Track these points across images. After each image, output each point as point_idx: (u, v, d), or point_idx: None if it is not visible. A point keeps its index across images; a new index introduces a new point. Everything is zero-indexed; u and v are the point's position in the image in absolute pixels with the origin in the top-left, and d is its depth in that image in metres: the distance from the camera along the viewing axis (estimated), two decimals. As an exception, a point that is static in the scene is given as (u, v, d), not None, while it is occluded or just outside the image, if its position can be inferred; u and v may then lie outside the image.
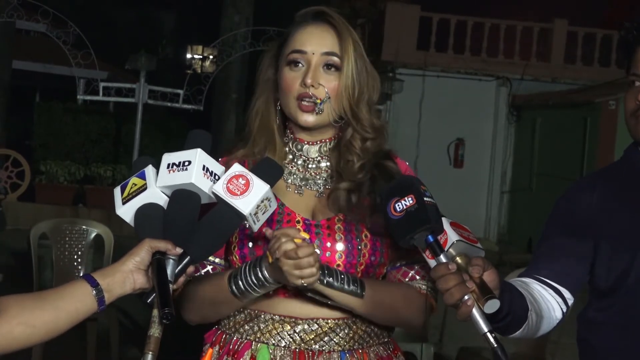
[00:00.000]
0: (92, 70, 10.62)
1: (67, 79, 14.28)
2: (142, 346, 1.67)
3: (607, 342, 2.01)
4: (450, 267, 1.73)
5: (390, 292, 1.95)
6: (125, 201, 1.77)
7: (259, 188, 1.72)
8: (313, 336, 1.93)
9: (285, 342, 1.92)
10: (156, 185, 1.77)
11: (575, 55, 15.07)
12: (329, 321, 1.94)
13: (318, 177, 2.03)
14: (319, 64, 1.97)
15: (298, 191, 2.01)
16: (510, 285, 1.95)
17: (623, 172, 2.09)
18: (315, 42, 1.98)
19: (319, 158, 2.04)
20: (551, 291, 2.05)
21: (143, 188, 1.77)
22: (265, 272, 1.83)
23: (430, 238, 1.75)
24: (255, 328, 1.95)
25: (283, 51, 2.02)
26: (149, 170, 1.79)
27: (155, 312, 1.68)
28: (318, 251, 1.90)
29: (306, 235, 1.83)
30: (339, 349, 1.94)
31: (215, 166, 1.78)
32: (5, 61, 14.78)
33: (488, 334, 1.70)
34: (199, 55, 26.38)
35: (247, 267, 1.86)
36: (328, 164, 2.03)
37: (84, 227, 5.46)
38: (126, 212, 1.78)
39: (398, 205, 1.76)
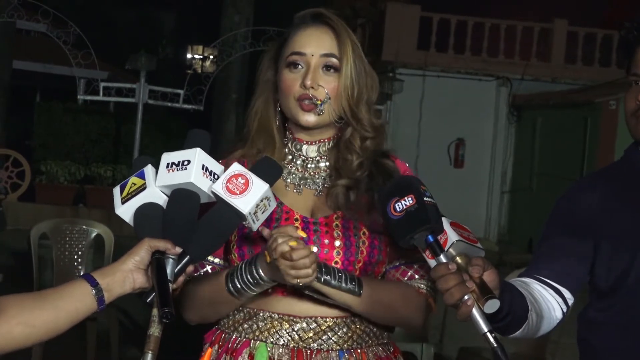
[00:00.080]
0: (92, 70, 10.62)
1: (67, 79, 14.27)
2: (142, 346, 1.67)
3: (607, 342, 2.01)
4: (450, 267, 1.73)
5: (388, 290, 1.95)
6: (124, 201, 1.77)
7: (259, 187, 1.72)
8: (311, 334, 1.93)
9: (284, 341, 1.93)
10: (155, 185, 1.77)
11: (575, 55, 15.07)
12: (328, 320, 1.94)
13: (317, 176, 2.04)
14: (318, 65, 1.99)
15: (297, 190, 2.02)
16: (511, 285, 1.94)
17: (623, 172, 2.09)
18: (314, 44, 1.99)
19: (318, 158, 2.05)
20: (551, 291, 2.05)
21: (142, 187, 1.77)
22: (261, 270, 1.84)
23: (430, 238, 1.75)
24: (254, 326, 1.95)
25: (282, 53, 2.03)
26: (149, 169, 1.79)
27: (154, 311, 1.68)
28: (316, 248, 1.91)
29: (303, 234, 1.84)
30: (338, 347, 1.94)
31: (215, 165, 1.78)
32: (5, 61, 14.77)
33: (488, 334, 1.70)
34: (199, 55, 26.38)
35: (243, 266, 1.87)
36: (327, 163, 2.04)
37: (84, 227, 5.46)
38: (125, 211, 1.78)
39: (398, 205, 1.76)
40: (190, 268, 1.75)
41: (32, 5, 10.49)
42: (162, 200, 1.77)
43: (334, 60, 1.99)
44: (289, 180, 2.02)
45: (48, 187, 12.82)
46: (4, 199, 11.90)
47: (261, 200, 1.72)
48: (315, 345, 1.93)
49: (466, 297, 1.70)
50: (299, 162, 2.05)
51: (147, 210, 1.76)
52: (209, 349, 2.02)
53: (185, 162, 1.74)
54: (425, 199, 1.76)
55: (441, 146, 14.80)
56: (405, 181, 1.82)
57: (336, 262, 1.93)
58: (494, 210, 15.13)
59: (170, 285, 1.67)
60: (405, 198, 1.76)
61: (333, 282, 1.86)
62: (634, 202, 2.01)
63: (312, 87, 1.97)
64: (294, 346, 1.93)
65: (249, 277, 1.85)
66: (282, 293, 1.93)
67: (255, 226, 1.75)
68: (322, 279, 1.84)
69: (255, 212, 1.72)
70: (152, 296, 1.68)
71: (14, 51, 15.25)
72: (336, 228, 1.95)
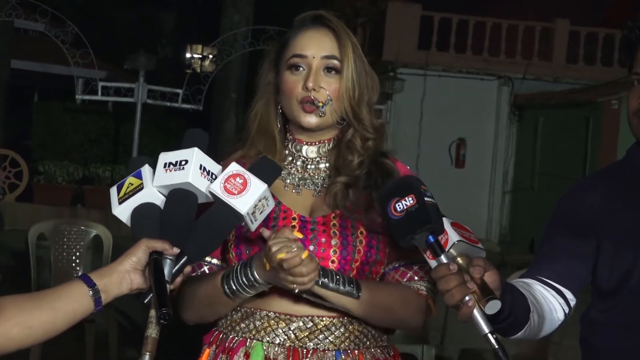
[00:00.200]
0: (90, 70, 10.61)
1: (65, 79, 14.23)
2: (140, 347, 1.66)
3: (609, 343, 2.00)
4: (451, 268, 1.72)
5: (387, 293, 1.95)
6: (121, 201, 1.76)
7: (257, 187, 1.71)
8: (307, 334, 1.93)
9: (280, 340, 1.93)
10: (153, 185, 1.76)
11: (577, 54, 15.08)
12: (324, 319, 1.94)
13: (316, 177, 2.04)
14: (320, 67, 2.00)
15: (296, 190, 2.02)
16: (512, 286, 1.93)
17: (626, 172, 2.09)
18: (315, 46, 2.01)
19: (317, 159, 2.06)
20: (553, 292, 2.04)
21: (139, 188, 1.76)
22: (256, 273, 1.84)
23: (431, 238, 1.75)
24: (251, 326, 1.96)
25: (283, 55, 2.05)
26: (146, 169, 1.79)
27: (152, 312, 1.67)
28: (312, 247, 1.92)
29: (300, 235, 1.83)
30: (334, 347, 1.94)
31: (213, 165, 1.77)
32: (3, 60, 14.75)
33: (489, 335, 1.70)
34: (198, 54, 26.41)
35: (239, 268, 1.88)
36: (327, 164, 2.05)
37: (82, 227, 5.46)
38: (122, 212, 1.77)
39: (398, 205, 1.76)
40: (187, 269, 1.75)
41: (30, 4, 10.48)
42: (159, 200, 1.76)
43: (335, 62, 2.01)
44: (288, 181, 2.03)
45: (46, 188, 12.83)
46: (2, 199, 11.87)
47: (259, 201, 1.71)
48: (311, 344, 1.93)
49: (467, 298, 1.70)
50: (299, 163, 2.05)
51: (144, 211, 1.75)
52: (207, 350, 2.03)
53: (183, 162, 1.74)
54: (426, 199, 1.76)
55: (442, 146, 14.80)
56: (406, 181, 1.82)
57: (333, 261, 1.93)
58: (495, 211, 15.13)
59: (167, 286, 1.67)
60: (406, 198, 1.76)
61: (331, 284, 1.86)
62: (636, 201, 2.01)
63: (314, 89, 1.98)
64: (290, 345, 1.93)
65: (244, 279, 1.86)
66: (279, 292, 1.93)
67: (253, 226, 1.75)
68: (320, 282, 1.85)
69: (254, 212, 1.71)
70: (149, 297, 1.68)
71: (12, 50, 15.24)
72: (333, 227, 1.96)
